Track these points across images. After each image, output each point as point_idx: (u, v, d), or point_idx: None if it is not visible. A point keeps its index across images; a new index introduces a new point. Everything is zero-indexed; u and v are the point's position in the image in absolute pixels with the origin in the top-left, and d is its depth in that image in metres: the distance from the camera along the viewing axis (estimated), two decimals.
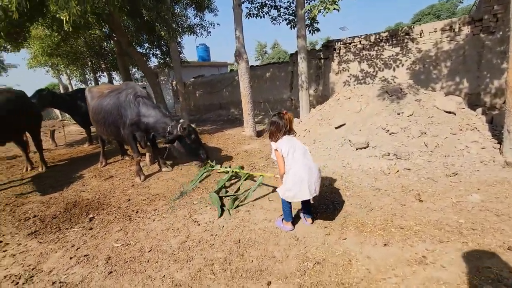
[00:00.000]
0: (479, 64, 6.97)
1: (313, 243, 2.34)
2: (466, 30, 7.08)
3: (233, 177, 4.06)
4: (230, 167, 4.43)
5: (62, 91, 18.67)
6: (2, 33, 7.71)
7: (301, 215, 2.75)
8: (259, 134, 7.35)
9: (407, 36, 7.94)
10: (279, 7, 9.47)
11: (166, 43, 10.60)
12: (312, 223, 2.65)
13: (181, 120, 4.26)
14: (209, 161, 4.51)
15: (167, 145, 4.35)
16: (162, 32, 8.39)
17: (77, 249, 2.58)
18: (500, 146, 3.99)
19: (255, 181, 3.78)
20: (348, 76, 9.13)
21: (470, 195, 2.81)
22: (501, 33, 6.60)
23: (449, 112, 5.10)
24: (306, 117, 7.12)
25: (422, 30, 7.72)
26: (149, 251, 2.44)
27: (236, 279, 2.00)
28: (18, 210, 3.65)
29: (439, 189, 3.05)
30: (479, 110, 5.81)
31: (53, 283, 2.12)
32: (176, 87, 13.91)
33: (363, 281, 1.84)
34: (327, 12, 5.05)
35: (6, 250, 2.67)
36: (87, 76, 15.00)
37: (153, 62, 12.85)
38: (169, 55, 11.07)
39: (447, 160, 3.84)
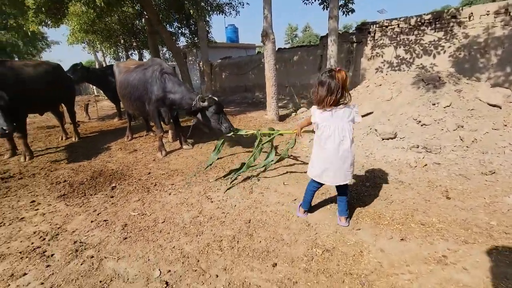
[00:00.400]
0: None
1: (325, 230, 2.27)
2: None
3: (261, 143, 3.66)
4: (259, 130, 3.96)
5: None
6: (43, 9, 8.14)
7: (337, 212, 2.44)
8: (281, 118, 7.21)
9: (453, 20, 7.17)
10: None
11: (195, 23, 10.58)
12: (347, 224, 2.31)
13: (199, 95, 4.13)
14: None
15: (192, 119, 4.34)
16: (191, 10, 8.36)
17: (98, 214, 2.73)
18: None
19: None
20: (382, 62, 8.54)
21: (507, 196, 2.54)
22: None
23: (494, 105, 4.60)
24: None
25: (472, 13, 6.92)
26: (162, 222, 2.52)
27: (243, 257, 2.00)
28: (51, 174, 3.95)
29: (471, 187, 2.80)
30: None
31: (75, 242, 2.28)
32: (203, 68, 14.00)
33: (373, 273, 1.75)
34: None
35: (38, 209, 2.91)
36: (120, 53, 15.51)
37: (182, 41, 12.94)
38: (197, 35, 11.06)
39: (485, 157, 3.49)
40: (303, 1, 9.45)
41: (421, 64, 7.75)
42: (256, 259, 1.97)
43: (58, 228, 2.52)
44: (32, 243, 2.29)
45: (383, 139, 4.54)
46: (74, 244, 2.25)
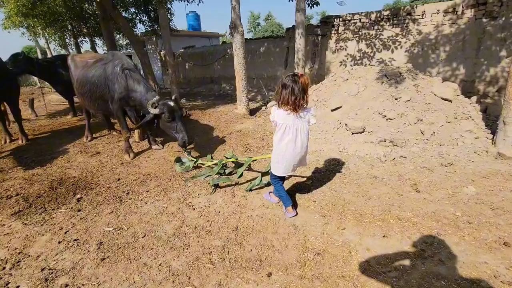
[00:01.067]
0: (477, 51, 6.89)
1: (312, 232, 2.33)
2: (469, 13, 6.88)
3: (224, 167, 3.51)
4: (212, 158, 3.77)
5: (39, 55, 17.36)
6: None
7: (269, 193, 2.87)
8: (252, 112, 7.16)
9: (409, 16, 7.67)
10: None
11: (154, 9, 9.83)
12: (295, 214, 2.57)
13: (156, 97, 3.72)
14: (189, 153, 3.87)
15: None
16: None
17: (65, 233, 2.45)
18: (494, 137, 4.04)
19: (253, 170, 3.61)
20: (345, 56, 8.88)
21: (466, 186, 2.85)
22: (503, 18, 6.47)
23: (445, 99, 5.08)
24: None
25: (424, 11, 7.46)
26: (143, 237, 2.35)
27: (236, 269, 1.96)
28: None
29: (435, 180, 3.07)
30: (474, 98, 5.85)
31: (42, 269, 2.02)
32: (165, 58, 13.20)
33: (363, 274, 1.84)
34: None
35: None
36: (67, 40, 13.88)
37: (140, 29, 12.01)
38: (157, 22, 10.32)
39: (442, 149, 3.87)
40: None
41: (381, 58, 8.22)
42: (250, 270, 1.95)
43: (19, 253, 2.21)
44: None
45: (353, 133, 4.75)
46: (42, 272, 1.99)
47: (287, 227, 2.42)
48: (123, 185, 3.37)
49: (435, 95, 5.14)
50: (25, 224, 2.62)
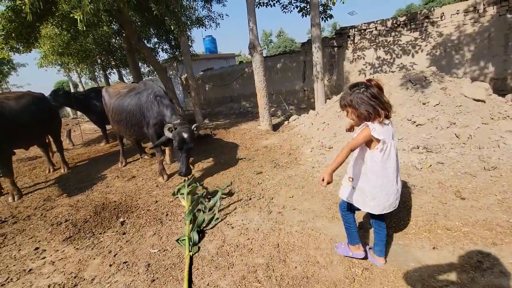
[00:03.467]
0: (506, 47, 6.62)
1: None
2: (491, 10, 6.70)
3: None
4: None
5: (72, 89, 18.81)
6: (13, 35, 7.72)
7: (368, 249, 2.15)
8: (275, 127, 7.23)
9: (427, 20, 7.58)
10: None
11: (174, 37, 10.44)
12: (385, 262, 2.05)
13: (176, 121, 3.88)
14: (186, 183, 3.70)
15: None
16: (171, 26, 8.25)
17: (114, 256, 2.58)
18: None
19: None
20: (364, 64, 8.84)
21: None
22: None
23: (478, 100, 4.89)
24: (323, 109, 6.95)
25: (443, 13, 7.35)
26: None
27: (283, 287, 1.95)
28: (48, 214, 3.69)
29: (480, 185, 2.92)
30: (509, 96, 5.56)
31: None
32: (186, 81, 13.83)
33: None
34: None
35: (44, 257, 2.70)
36: (96, 73, 15.00)
37: (161, 56, 12.72)
38: (177, 48, 10.93)
39: (482, 152, 3.68)
40: (282, 10, 9.64)
41: (401, 63, 8.10)
42: (298, 287, 1.93)
43: (75, 277, 2.35)
44: None
45: None
46: None
47: (329, 242, 2.39)
48: (161, 207, 3.50)
49: (465, 96, 4.96)
50: (77, 248, 2.78)
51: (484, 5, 6.76)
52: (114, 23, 9.10)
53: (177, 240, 2.63)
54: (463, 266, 1.91)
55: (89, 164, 6.09)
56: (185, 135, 3.76)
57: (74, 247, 2.82)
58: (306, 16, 9.29)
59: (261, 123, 7.21)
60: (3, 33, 7.49)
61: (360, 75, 8.91)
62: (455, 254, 2.03)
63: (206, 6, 10.54)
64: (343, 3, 5.79)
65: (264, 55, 12.98)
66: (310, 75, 10.17)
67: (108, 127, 8.09)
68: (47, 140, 5.73)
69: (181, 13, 7.94)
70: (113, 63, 11.97)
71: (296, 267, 2.14)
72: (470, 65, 7.11)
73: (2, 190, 4.66)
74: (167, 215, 3.26)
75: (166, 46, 10.93)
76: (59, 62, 10.51)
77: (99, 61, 12.04)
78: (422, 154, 3.95)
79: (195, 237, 2.61)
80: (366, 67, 8.80)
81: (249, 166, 4.61)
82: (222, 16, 10.34)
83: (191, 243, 2.54)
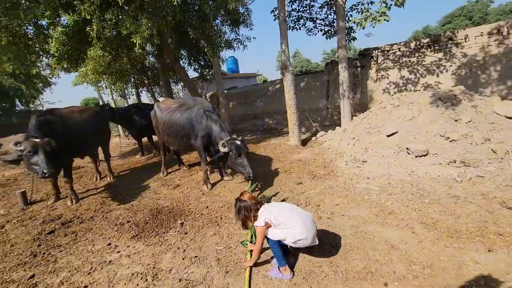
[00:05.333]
0: None
1: (411, 248, 2.45)
2: None
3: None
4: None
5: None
6: (65, 56, 8.59)
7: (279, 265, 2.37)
8: (303, 143, 7.51)
9: (451, 41, 7.85)
10: (315, 19, 9.73)
11: (204, 58, 11.17)
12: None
13: (232, 137, 4.30)
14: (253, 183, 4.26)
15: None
16: (205, 49, 8.93)
17: (184, 251, 2.85)
18: None
19: None
20: (388, 84, 9.12)
21: None
22: None
23: (511, 118, 5.02)
24: (350, 126, 7.21)
25: (467, 35, 7.62)
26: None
27: (350, 280, 2.16)
28: (109, 216, 4.05)
29: None
30: None
31: (180, 280, 2.39)
32: (209, 98, 14.50)
33: (485, 285, 1.93)
34: (376, 23, 5.23)
35: (119, 251, 3.00)
36: (126, 91, 15.95)
37: (191, 75, 13.50)
38: (206, 68, 11.66)
39: None
40: (306, 33, 10.22)
41: (426, 82, 8.32)
42: (364, 280, 2.13)
43: (153, 268, 2.63)
44: (137, 285, 2.40)
45: (416, 157, 4.83)
46: (180, 282, 2.36)
47: (383, 243, 2.57)
48: (213, 211, 3.79)
49: (498, 114, 5.11)
50: (146, 245, 3.08)
51: (507, 28, 7.00)
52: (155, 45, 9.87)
53: (241, 242, 2.88)
54: None
55: (131, 174, 6.52)
56: (239, 142, 4.16)
57: (143, 243, 3.12)
58: (329, 39, 9.81)
59: (291, 139, 7.51)
60: (57, 54, 8.36)
61: (384, 93, 9.16)
62: (511, 256, 2.18)
63: (234, 30, 11.30)
64: (373, 27, 6.18)
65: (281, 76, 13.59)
66: (334, 93, 10.53)
67: (144, 139, 8.67)
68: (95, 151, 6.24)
69: (215, 37, 8.61)
70: (146, 81, 12.81)
71: (357, 264, 2.34)
72: (497, 84, 7.24)
73: (60, 195, 5.10)
74: (221, 218, 3.53)
75: (196, 66, 11.67)
76: (99, 80, 11.40)
77: (132, 79, 12.92)
78: (460, 168, 4.10)
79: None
80: (390, 86, 9.06)
81: (288, 177, 4.86)
82: (250, 39, 11.03)
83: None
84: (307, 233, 2.25)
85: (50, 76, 9.63)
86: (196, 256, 2.73)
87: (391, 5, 5.23)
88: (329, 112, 10.75)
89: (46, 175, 3.80)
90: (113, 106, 8.29)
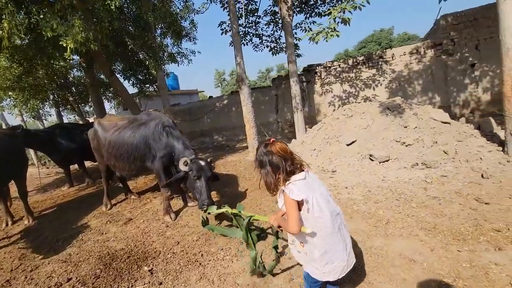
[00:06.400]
0: (445, 81, 8.08)
1: (429, 259, 2.30)
2: (430, 52, 8.22)
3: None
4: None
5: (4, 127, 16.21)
6: None
7: None
8: None
9: (381, 59, 8.90)
10: (261, 35, 9.90)
11: (144, 71, 10.13)
12: None
13: (198, 157, 3.71)
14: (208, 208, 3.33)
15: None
16: (147, 61, 8.06)
17: None
18: (503, 149, 4.55)
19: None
20: (332, 97, 9.74)
21: None
22: (459, 54, 7.82)
23: (445, 123, 5.72)
24: (308, 137, 7.28)
25: (393, 54, 8.75)
26: None
27: None
28: (35, 275, 2.90)
29: (492, 191, 3.31)
30: (463, 119, 6.65)
31: None
32: None
33: None
34: (329, 38, 5.44)
35: None
36: (41, 111, 13.32)
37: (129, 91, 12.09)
38: (146, 83, 10.58)
39: (472, 164, 4.24)
40: (253, 49, 10.30)
41: (365, 95, 9.16)
42: None
43: None
44: None
45: (380, 163, 5.03)
46: None
47: (399, 258, 2.37)
48: (188, 248, 3.07)
49: (435, 120, 5.77)
50: None
51: (424, 48, 8.29)
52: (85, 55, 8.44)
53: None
54: None
55: (60, 211, 5.12)
56: (203, 163, 3.52)
57: None
58: (275, 55, 10.09)
59: (250, 154, 7.16)
60: None
61: (330, 106, 9.75)
62: None
63: (177, 43, 10.64)
64: (326, 41, 6.48)
65: (220, 93, 13.36)
66: (283, 107, 10.74)
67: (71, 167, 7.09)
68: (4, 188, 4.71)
69: (158, 48, 7.85)
70: (71, 98, 10.85)
71: (380, 282, 2.04)
72: (421, 95, 8.43)
73: None
74: (202, 255, 2.86)
75: (134, 80, 10.47)
76: (6, 98, 9.14)
77: (51, 97, 10.82)
78: (424, 170, 4.37)
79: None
80: (335, 99, 9.70)
81: (262, 195, 4.43)
82: (195, 53, 10.52)
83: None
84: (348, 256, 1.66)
85: None
86: None
87: (339, 22, 5.55)
88: (280, 126, 10.88)
89: None
90: (26, 128, 6.56)
